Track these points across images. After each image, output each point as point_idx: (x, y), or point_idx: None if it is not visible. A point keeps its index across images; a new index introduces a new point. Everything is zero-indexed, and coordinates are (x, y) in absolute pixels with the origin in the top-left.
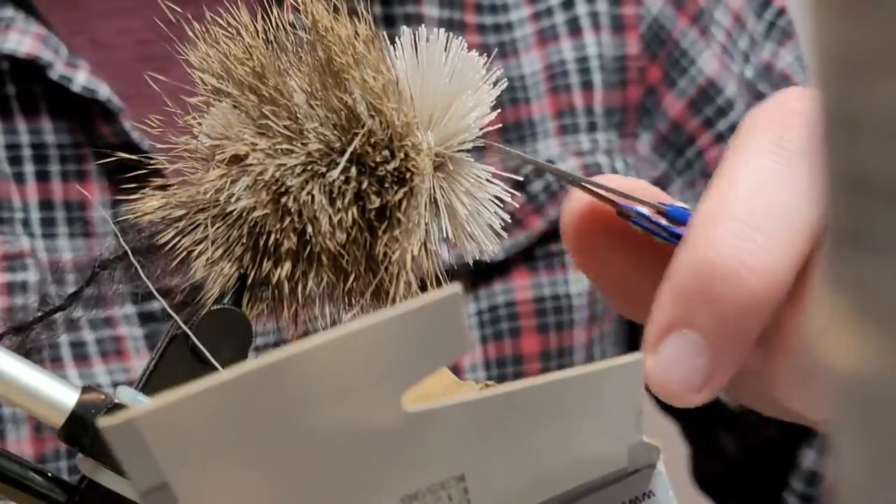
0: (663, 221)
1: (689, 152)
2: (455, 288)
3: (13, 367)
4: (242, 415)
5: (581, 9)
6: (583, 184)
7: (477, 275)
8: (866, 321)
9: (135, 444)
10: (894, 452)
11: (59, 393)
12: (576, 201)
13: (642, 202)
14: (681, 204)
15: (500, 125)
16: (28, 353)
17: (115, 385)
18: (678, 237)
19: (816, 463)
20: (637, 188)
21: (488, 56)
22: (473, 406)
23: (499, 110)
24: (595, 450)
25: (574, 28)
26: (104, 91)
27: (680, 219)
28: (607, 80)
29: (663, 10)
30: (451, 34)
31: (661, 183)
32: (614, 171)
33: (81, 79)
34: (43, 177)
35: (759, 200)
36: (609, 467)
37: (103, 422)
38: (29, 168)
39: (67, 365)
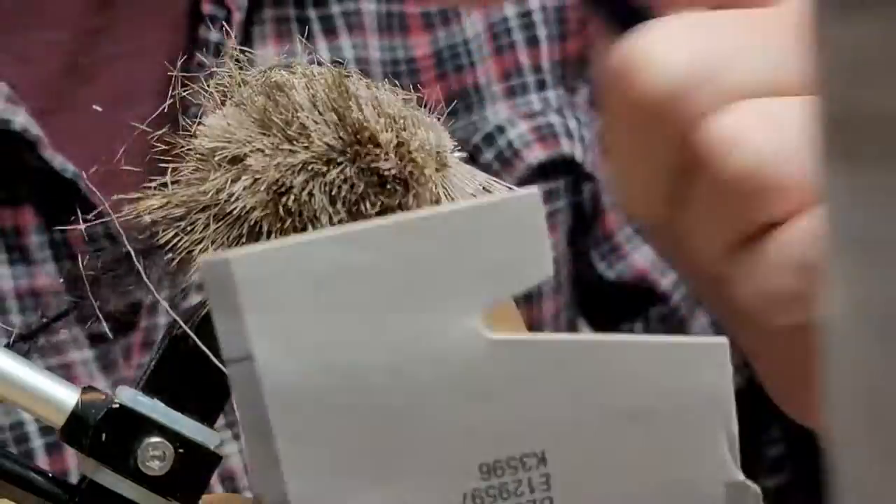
0: None
1: None
2: (532, 189)
3: (13, 368)
4: (329, 281)
5: None
6: None
7: None
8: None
9: (228, 296)
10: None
11: (59, 393)
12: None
13: None
14: None
15: (445, 95)
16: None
17: None
18: None
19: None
20: None
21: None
22: (559, 348)
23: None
24: (688, 478)
25: None
26: (20, 121)
27: None
28: (551, 34)
29: None
30: None
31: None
32: (567, 130)
33: None
34: None
35: None
36: None
37: (204, 257)
38: None
39: None
